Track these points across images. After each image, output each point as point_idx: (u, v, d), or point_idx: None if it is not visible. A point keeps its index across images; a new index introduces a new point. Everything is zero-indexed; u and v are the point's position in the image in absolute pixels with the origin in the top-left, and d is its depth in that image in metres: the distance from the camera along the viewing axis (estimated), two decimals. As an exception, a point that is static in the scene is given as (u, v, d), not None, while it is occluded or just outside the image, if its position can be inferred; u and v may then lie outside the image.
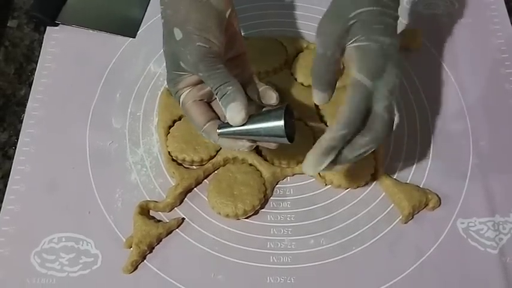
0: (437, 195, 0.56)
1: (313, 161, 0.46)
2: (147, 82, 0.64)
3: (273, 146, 0.50)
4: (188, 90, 0.50)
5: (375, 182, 0.58)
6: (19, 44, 0.68)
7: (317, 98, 0.49)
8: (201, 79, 0.49)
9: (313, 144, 0.52)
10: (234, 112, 0.46)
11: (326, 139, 0.46)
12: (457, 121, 0.61)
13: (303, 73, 0.63)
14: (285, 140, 0.48)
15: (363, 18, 0.46)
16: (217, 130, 0.49)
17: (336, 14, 0.48)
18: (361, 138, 0.46)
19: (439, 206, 0.56)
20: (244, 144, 0.49)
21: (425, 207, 0.56)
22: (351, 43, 0.47)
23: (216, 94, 0.47)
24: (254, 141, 0.49)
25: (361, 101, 0.46)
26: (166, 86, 0.63)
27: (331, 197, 0.57)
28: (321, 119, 0.60)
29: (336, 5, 0.48)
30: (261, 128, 0.47)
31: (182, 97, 0.50)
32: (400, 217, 0.55)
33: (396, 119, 0.47)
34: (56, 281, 0.52)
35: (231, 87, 0.46)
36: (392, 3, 0.48)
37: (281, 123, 0.47)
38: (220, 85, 0.47)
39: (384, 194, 0.57)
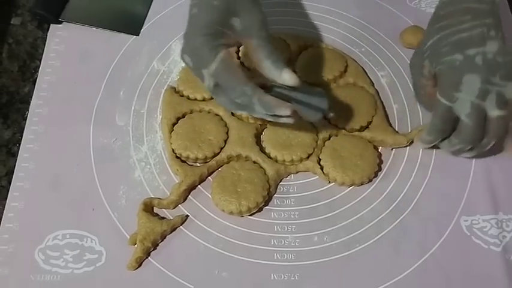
0: None
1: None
2: (150, 79, 0.64)
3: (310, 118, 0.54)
4: (226, 48, 0.51)
5: (378, 179, 0.58)
6: (23, 42, 0.68)
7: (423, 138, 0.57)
8: (236, 42, 0.52)
9: (316, 142, 0.58)
10: (290, 74, 0.50)
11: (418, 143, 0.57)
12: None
13: (305, 71, 0.63)
14: (321, 115, 0.54)
15: (433, 47, 0.55)
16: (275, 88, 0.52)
17: (417, 51, 0.58)
18: (453, 139, 0.55)
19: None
20: (287, 108, 0.50)
21: None
22: (433, 71, 0.55)
23: (269, 59, 0.50)
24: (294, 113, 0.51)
25: (443, 114, 0.53)
26: (170, 83, 0.64)
27: (335, 194, 0.57)
28: (325, 116, 0.60)
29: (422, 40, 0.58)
30: (308, 98, 0.53)
31: (223, 53, 0.50)
32: (404, 214, 0.56)
33: (497, 112, 0.52)
34: (61, 278, 0.52)
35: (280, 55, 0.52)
36: (475, 17, 0.53)
37: (325, 100, 0.55)
38: (275, 50, 0.51)
39: (387, 191, 0.57)
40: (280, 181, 0.58)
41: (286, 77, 0.50)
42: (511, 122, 0.54)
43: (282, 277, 0.53)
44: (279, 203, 0.57)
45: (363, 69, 0.64)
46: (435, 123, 0.55)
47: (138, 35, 0.68)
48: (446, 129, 0.55)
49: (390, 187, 0.57)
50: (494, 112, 0.52)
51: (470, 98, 0.52)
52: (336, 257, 0.54)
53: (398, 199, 0.57)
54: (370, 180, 0.57)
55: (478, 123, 0.52)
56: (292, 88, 0.52)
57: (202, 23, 0.50)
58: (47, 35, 0.68)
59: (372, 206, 0.56)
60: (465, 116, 0.52)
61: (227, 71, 0.50)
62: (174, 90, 0.63)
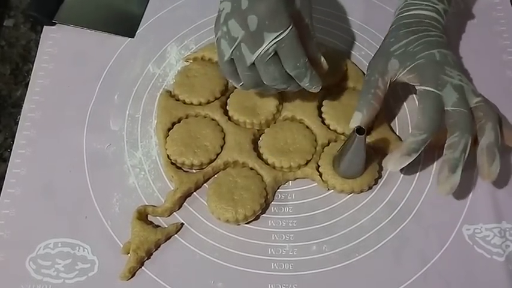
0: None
1: (396, 159, 0.53)
2: (146, 83, 0.63)
3: None
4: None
5: (378, 187, 0.56)
6: (15, 44, 0.67)
7: (352, 119, 0.55)
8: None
9: (315, 148, 0.57)
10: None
11: (408, 142, 0.53)
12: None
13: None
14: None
15: (402, 50, 0.57)
16: None
17: (379, 52, 0.59)
18: (453, 138, 0.53)
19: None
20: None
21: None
22: (403, 71, 0.56)
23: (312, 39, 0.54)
24: None
25: (432, 106, 0.54)
26: (166, 87, 0.62)
27: (334, 202, 0.56)
28: (323, 121, 0.59)
29: (382, 43, 0.60)
30: None
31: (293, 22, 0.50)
32: (405, 222, 0.54)
33: (476, 99, 0.55)
34: (52, 288, 0.51)
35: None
36: (435, 22, 0.59)
37: None
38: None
39: (388, 198, 0.56)
40: (278, 188, 0.57)
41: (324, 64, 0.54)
42: None
43: (280, 287, 0.51)
44: (276, 210, 0.55)
45: (363, 73, 0.63)
46: (427, 113, 0.53)
47: (133, 37, 0.67)
48: (437, 119, 0.53)
49: (391, 195, 0.56)
50: (473, 100, 0.55)
51: (454, 88, 0.54)
52: (334, 266, 0.52)
53: (399, 207, 0.55)
54: (370, 188, 0.56)
55: (468, 109, 0.54)
56: None
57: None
58: (40, 37, 0.66)
59: (371, 214, 0.55)
60: (454, 103, 0.54)
61: (296, 40, 0.50)
62: (170, 94, 0.61)
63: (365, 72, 0.63)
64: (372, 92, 0.55)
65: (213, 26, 0.66)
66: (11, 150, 0.58)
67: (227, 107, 0.60)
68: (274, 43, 0.49)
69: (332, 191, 0.56)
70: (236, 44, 0.50)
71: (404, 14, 0.60)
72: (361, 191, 0.56)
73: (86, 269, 0.52)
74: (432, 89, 0.54)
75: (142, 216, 0.54)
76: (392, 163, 0.53)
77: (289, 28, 0.49)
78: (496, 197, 0.55)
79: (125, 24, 0.68)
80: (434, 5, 0.60)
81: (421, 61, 0.56)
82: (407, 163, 0.53)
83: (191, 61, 0.64)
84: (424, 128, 0.53)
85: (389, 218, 0.55)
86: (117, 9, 0.69)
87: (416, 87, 0.56)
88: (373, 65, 0.58)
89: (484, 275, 0.52)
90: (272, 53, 0.50)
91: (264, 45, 0.49)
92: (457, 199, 0.56)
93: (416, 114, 0.54)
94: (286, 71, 0.51)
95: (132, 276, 0.52)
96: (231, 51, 0.51)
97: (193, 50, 0.65)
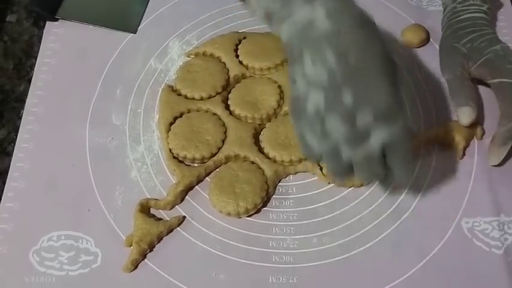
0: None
1: (495, 152, 0.56)
2: (148, 78, 0.64)
3: None
4: None
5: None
6: (18, 39, 0.67)
7: (463, 116, 0.57)
8: None
9: None
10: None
11: (501, 132, 0.56)
12: (462, 118, 0.61)
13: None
14: None
15: (468, 45, 0.60)
16: None
17: (449, 49, 0.61)
18: None
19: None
20: None
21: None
22: (474, 65, 0.59)
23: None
24: None
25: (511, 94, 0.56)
26: (168, 82, 0.63)
27: (334, 195, 0.56)
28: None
29: (443, 45, 0.63)
30: None
31: None
32: (405, 216, 0.55)
33: None
34: (55, 280, 0.52)
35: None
36: (485, 22, 0.62)
37: None
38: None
39: (387, 192, 0.56)
40: (279, 182, 0.57)
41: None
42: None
43: (280, 279, 0.52)
44: (277, 204, 0.56)
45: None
46: (508, 100, 0.56)
47: (135, 33, 0.67)
48: None
49: (390, 188, 0.57)
50: None
51: None
52: (335, 259, 0.53)
53: (399, 201, 0.56)
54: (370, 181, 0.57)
55: None
56: None
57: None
58: (42, 33, 0.67)
59: (371, 207, 0.55)
60: None
61: (409, 136, 0.47)
62: (172, 89, 0.62)
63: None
64: (466, 84, 0.59)
65: (214, 21, 0.68)
66: (14, 144, 0.59)
67: (228, 102, 0.60)
68: (386, 140, 0.45)
69: (332, 184, 0.57)
70: (333, 142, 0.46)
71: (456, 19, 0.63)
72: (361, 185, 0.56)
73: (89, 261, 0.53)
74: (507, 79, 0.57)
75: (145, 209, 0.55)
76: (495, 157, 0.56)
77: (404, 122, 0.45)
78: (494, 190, 0.56)
79: (127, 19, 0.68)
80: (481, 8, 0.63)
81: (489, 56, 0.59)
82: (506, 152, 0.56)
83: (193, 56, 0.65)
84: (510, 115, 0.56)
85: (389, 211, 0.55)
86: (119, 5, 0.69)
87: (489, 81, 0.59)
88: (451, 62, 0.61)
89: (482, 267, 0.52)
90: (379, 152, 0.46)
91: (372, 144, 0.45)
92: (456, 193, 0.56)
93: (498, 105, 0.58)
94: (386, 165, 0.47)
95: (134, 268, 0.52)
96: (324, 148, 0.47)
97: (194, 45, 0.66)
